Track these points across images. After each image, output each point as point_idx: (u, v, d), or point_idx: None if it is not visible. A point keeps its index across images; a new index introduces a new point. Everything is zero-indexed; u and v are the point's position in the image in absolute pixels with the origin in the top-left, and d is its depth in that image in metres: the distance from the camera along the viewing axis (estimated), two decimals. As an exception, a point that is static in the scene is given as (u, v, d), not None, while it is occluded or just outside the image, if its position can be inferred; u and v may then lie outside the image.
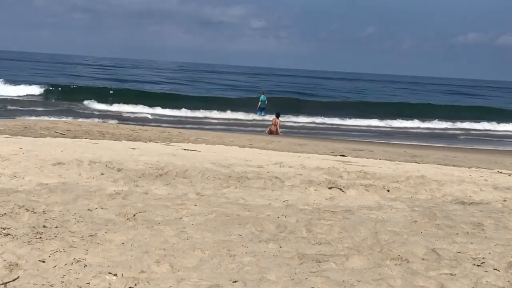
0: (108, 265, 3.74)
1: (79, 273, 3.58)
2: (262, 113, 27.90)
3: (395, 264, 4.09)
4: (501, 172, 10.32)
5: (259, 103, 27.82)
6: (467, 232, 5.10)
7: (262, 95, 28.22)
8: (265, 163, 8.86)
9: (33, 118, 21.28)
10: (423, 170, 9.40)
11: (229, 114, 28.84)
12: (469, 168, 11.24)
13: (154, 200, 5.73)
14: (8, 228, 4.40)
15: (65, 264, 3.72)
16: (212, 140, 14.65)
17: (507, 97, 63.52)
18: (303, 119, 28.73)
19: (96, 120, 22.43)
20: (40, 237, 4.22)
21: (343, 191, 6.88)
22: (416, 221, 5.49)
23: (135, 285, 3.47)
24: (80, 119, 21.39)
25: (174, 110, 28.79)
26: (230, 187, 6.78)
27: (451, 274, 3.90)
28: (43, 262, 3.74)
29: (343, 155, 12.56)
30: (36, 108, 26.36)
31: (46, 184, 6.12)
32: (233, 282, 3.57)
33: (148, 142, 12.41)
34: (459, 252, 4.42)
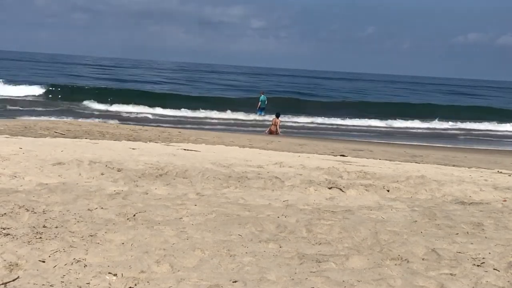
0: (108, 265, 3.74)
1: (79, 273, 3.58)
2: (262, 113, 27.89)
3: (395, 264, 4.09)
4: (501, 172, 10.32)
5: (259, 103, 27.81)
6: (467, 232, 5.10)
7: (262, 95, 28.22)
8: (265, 163, 8.86)
9: (33, 118, 21.28)
10: (423, 170, 9.40)
11: (229, 114, 28.83)
12: (469, 168, 11.24)
13: (154, 200, 5.73)
14: (8, 228, 4.40)
15: (65, 264, 3.72)
16: (212, 140, 14.65)
17: (507, 97, 63.53)
18: (303, 119, 28.72)
19: (96, 120, 22.43)
20: (40, 237, 4.22)
21: (343, 191, 6.88)
22: (416, 221, 5.49)
23: (135, 285, 3.47)
24: (80, 119, 21.38)
25: (174, 110, 28.79)
26: (230, 187, 6.78)
27: (451, 274, 3.90)
28: (43, 262, 3.74)
29: (343, 155, 12.57)
30: (36, 108, 26.37)
31: (46, 184, 6.12)
32: (233, 282, 3.57)
33: (148, 142, 12.41)
34: (459, 252, 4.42)
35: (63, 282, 3.44)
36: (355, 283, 3.64)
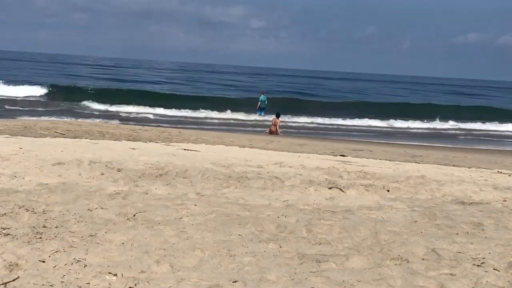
0: (108, 265, 3.74)
1: (79, 273, 3.58)
2: (262, 113, 27.88)
3: (395, 264, 4.09)
4: (501, 172, 10.32)
5: (259, 103, 27.81)
6: (467, 232, 5.10)
7: (262, 95, 28.21)
8: (265, 163, 8.86)
9: (33, 118, 21.28)
10: (423, 170, 9.40)
11: (229, 114, 28.83)
12: (469, 168, 11.24)
13: (154, 200, 5.73)
14: (8, 228, 4.40)
15: (65, 264, 3.72)
16: (212, 140, 14.65)
17: (507, 97, 63.52)
18: (303, 119, 28.71)
19: (96, 120, 22.44)
20: (40, 237, 4.22)
21: (343, 191, 6.88)
22: (416, 221, 5.49)
23: (135, 285, 3.47)
24: (80, 119, 21.38)
25: (174, 110, 28.79)
26: (230, 187, 6.78)
27: (451, 274, 3.90)
28: (43, 262, 3.74)
29: (343, 155, 12.57)
30: (36, 108, 26.38)
31: (46, 184, 6.12)
32: (233, 282, 3.57)
33: (148, 142, 12.41)
34: (459, 252, 4.42)
35: (63, 282, 3.44)
36: (355, 283, 3.64)
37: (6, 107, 25.98)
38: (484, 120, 32.49)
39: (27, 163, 7.20)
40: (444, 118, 31.95)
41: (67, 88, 34.27)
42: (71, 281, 3.46)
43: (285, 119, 26.43)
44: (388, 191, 7.07)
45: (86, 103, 29.14)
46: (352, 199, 6.49)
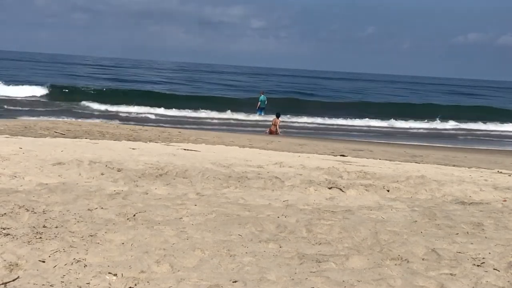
0: (108, 265, 3.74)
1: (79, 273, 3.58)
2: (262, 113, 27.87)
3: (395, 264, 4.09)
4: (501, 172, 10.32)
5: (259, 103, 27.80)
6: (467, 232, 5.10)
7: (262, 95, 28.21)
8: (265, 163, 8.86)
9: (33, 118, 21.28)
10: (423, 170, 9.40)
11: (229, 114, 28.83)
12: (469, 168, 11.24)
13: (154, 200, 5.73)
14: (8, 228, 4.40)
15: (65, 264, 3.72)
16: (212, 140, 14.65)
17: (507, 97, 63.53)
18: (303, 119, 28.71)
19: (96, 120, 22.43)
20: (40, 237, 4.22)
21: (343, 191, 6.88)
22: (416, 221, 5.49)
23: (135, 285, 3.47)
24: (80, 119, 21.38)
25: (174, 110, 28.79)
26: (230, 187, 6.78)
27: (451, 274, 3.90)
28: (43, 262, 3.74)
29: (343, 155, 12.57)
30: (36, 108, 26.37)
31: (46, 184, 6.12)
32: (233, 282, 3.57)
33: (148, 142, 12.41)
34: (459, 252, 4.42)
35: (63, 282, 3.44)
36: (355, 283, 3.64)
37: (6, 107, 25.97)
38: (484, 120, 32.49)
39: (27, 163, 7.20)
40: (444, 118, 31.96)
41: (67, 88, 34.29)
42: (71, 281, 3.46)
43: (285, 119, 26.43)
44: (388, 191, 7.07)
45: (86, 103, 29.14)
46: (352, 199, 6.49)
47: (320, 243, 4.54)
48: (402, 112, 33.59)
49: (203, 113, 28.46)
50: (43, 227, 4.51)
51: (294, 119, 28.54)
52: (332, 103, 38.49)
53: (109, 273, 3.60)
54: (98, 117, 24.57)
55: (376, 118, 30.81)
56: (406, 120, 30.96)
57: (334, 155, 12.40)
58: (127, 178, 6.81)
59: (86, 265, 3.72)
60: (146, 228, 4.65)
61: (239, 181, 7.04)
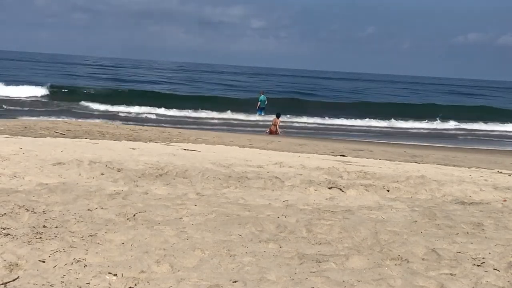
0: (108, 265, 3.74)
1: (79, 273, 3.58)
2: (262, 113, 27.86)
3: (395, 264, 4.09)
4: (501, 172, 10.32)
5: (259, 103, 27.80)
6: (467, 232, 5.10)
7: (262, 95, 28.20)
8: (265, 163, 8.86)
9: (33, 118, 21.28)
10: (423, 170, 9.40)
11: (229, 114, 28.82)
12: (469, 168, 11.24)
13: (154, 200, 5.73)
14: (8, 228, 4.40)
15: (65, 264, 3.72)
16: (212, 140, 14.65)
17: (507, 97, 63.52)
18: (303, 119, 28.70)
19: (96, 120, 22.43)
20: (40, 237, 4.22)
21: (343, 191, 6.88)
22: (416, 221, 5.49)
23: (135, 285, 3.47)
24: (80, 119, 21.38)
25: (174, 110, 28.78)
26: (230, 187, 6.78)
27: (451, 274, 3.90)
28: (43, 262, 3.74)
29: (343, 155, 12.57)
30: (36, 108, 26.37)
31: (46, 184, 6.12)
32: (233, 282, 3.57)
33: (148, 142, 12.41)
34: (459, 252, 4.42)
35: (63, 282, 3.44)
36: (355, 283, 3.64)
37: (6, 107, 25.97)
38: (484, 120, 32.49)
39: (27, 163, 7.20)
40: (444, 118, 31.95)
41: (67, 88, 34.29)
42: (71, 281, 3.46)
43: (285, 119, 26.42)
44: (388, 191, 7.07)
45: (86, 103, 29.13)
46: (352, 199, 6.49)
47: (320, 243, 4.54)
48: (402, 112, 33.58)
49: (203, 113, 28.45)
50: (43, 227, 4.51)
51: (294, 119, 28.54)
52: (332, 103, 38.48)
53: (109, 273, 3.60)
54: (98, 117, 24.57)
55: (376, 118, 30.80)
56: (406, 120, 30.96)
57: (334, 155, 12.40)
58: (127, 178, 6.81)
59: (86, 265, 3.72)
60: (146, 228, 4.65)
61: (239, 181, 7.04)
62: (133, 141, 12.28)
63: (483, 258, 4.28)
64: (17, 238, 4.16)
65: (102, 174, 6.94)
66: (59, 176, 6.66)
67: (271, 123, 22.52)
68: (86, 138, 12.07)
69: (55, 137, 12.22)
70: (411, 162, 12.11)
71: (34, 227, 4.49)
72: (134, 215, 5.05)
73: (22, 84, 32.99)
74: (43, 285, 3.38)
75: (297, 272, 3.80)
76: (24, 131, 13.04)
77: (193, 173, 7.32)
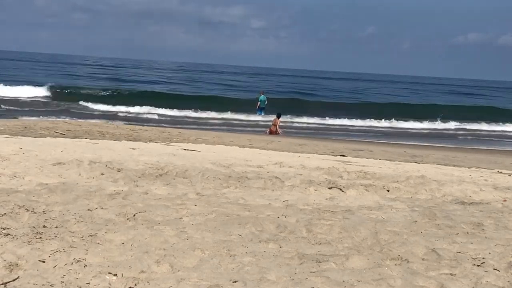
0: (108, 265, 3.74)
1: (79, 273, 3.58)
2: (262, 113, 27.86)
3: (395, 264, 4.09)
4: (501, 172, 10.32)
5: (259, 103, 27.80)
6: (467, 232, 5.10)
7: (262, 95, 28.20)
8: (265, 163, 8.86)
9: (33, 118, 21.27)
10: (423, 170, 9.40)
11: (229, 114, 28.82)
12: (469, 168, 11.24)
13: (154, 200, 5.73)
14: (8, 228, 4.40)
15: (65, 264, 3.72)
16: (212, 140, 14.65)
17: (507, 97, 63.54)
18: (303, 119, 28.70)
19: (96, 120, 22.43)
20: (40, 237, 4.22)
21: (343, 191, 6.88)
22: (416, 221, 5.48)
23: (135, 285, 3.47)
24: (80, 119, 21.38)
25: (174, 110, 28.77)
26: (230, 187, 6.78)
27: (451, 274, 3.90)
28: (43, 262, 3.74)
29: (343, 155, 12.57)
30: (36, 108, 26.38)
31: (46, 184, 6.12)
32: (233, 282, 3.57)
33: (148, 142, 12.41)
34: (459, 252, 4.42)
35: (63, 282, 3.44)
36: (355, 283, 3.64)
37: (6, 107, 25.97)
38: (484, 120, 32.50)
39: (27, 163, 7.20)
40: (444, 118, 31.95)
41: (67, 88, 34.32)
42: (71, 281, 3.46)
43: (286, 119, 26.42)
44: (388, 191, 7.07)
45: (86, 103, 29.15)
46: (352, 199, 6.49)
47: (320, 243, 4.54)
48: (402, 112, 33.57)
49: (203, 113, 28.45)
50: (43, 227, 4.51)
51: (294, 119, 28.54)
52: (332, 103, 38.48)
53: (109, 273, 3.60)
54: (98, 117, 24.57)
55: (376, 118, 30.80)
56: (406, 120, 30.95)
57: (334, 155, 12.40)
58: (127, 178, 6.81)
59: (86, 265, 3.72)
60: (146, 228, 4.65)
61: (239, 181, 7.04)
62: (133, 141, 12.28)
63: (483, 258, 4.28)
64: (17, 238, 4.16)
65: (102, 174, 6.94)
66: (59, 176, 6.66)
67: (271, 123, 22.52)
68: (86, 138, 12.07)
69: (55, 137, 12.23)
70: (411, 162, 12.11)
71: (34, 227, 4.49)
72: (134, 215, 5.05)
73: (22, 84, 33.03)
74: (43, 285, 3.38)
75: (297, 272, 3.80)
76: (24, 131, 13.04)
77: (193, 173, 7.32)
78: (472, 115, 34.47)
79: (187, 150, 10.55)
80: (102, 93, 33.54)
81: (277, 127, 21.79)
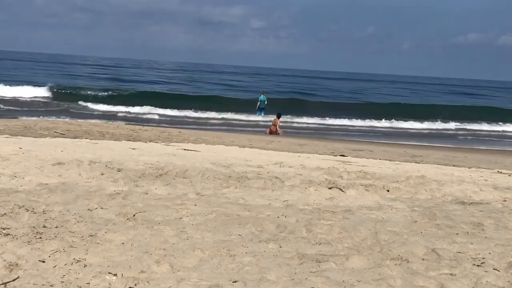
0: (108, 265, 3.75)
1: (79, 273, 3.58)
2: (262, 113, 27.86)
3: (395, 264, 4.09)
4: (501, 172, 10.32)
5: (259, 103, 27.80)
6: (467, 232, 5.10)
7: (262, 95, 28.20)
8: (265, 163, 8.86)
9: (33, 118, 21.27)
10: (423, 170, 9.40)
11: (229, 114, 28.81)
12: (469, 168, 11.24)
13: (154, 200, 5.73)
14: (8, 228, 4.40)
15: (65, 264, 3.72)
16: (212, 140, 14.65)
17: (507, 97, 63.54)
18: (303, 119, 28.70)
19: (96, 120, 22.43)
20: (40, 237, 4.22)
21: (343, 191, 6.88)
22: (416, 221, 5.49)
23: (135, 285, 3.47)
24: (80, 119, 21.38)
25: (174, 110, 28.78)
26: (230, 187, 6.78)
27: (451, 274, 3.90)
28: (43, 262, 3.74)
29: (343, 155, 12.57)
30: (36, 108, 26.39)
31: (46, 184, 6.12)
32: (233, 282, 3.57)
33: (148, 142, 12.41)
34: (459, 252, 4.42)
35: (63, 282, 3.44)
36: (355, 283, 3.64)
37: (6, 107, 25.98)
38: (484, 120, 32.52)
39: (27, 163, 7.20)
40: (444, 118, 31.95)
41: (67, 88, 34.32)
42: (71, 281, 3.46)
43: (286, 119, 26.42)
44: (388, 191, 7.07)
45: (86, 103, 29.17)
46: (352, 199, 6.49)
47: (320, 243, 4.54)
48: (402, 112, 33.58)
49: (203, 113, 28.45)
50: (43, 227, 4.51)
51: (294, 119, 28.55)
52: (332, 103, 38.48)
53: (109, 273, 3.60)
54: (98, 117, 24.58)
55: (376, 118, 30.81)
56: (406, 120, 30.95)
57: (334, 155, 12.40)
58: (127, 178, 6.82)
59: (86, 265, 3.72)
60: (146, 228, 4.65)
61: (239, 181, 7.04)
62: (133, 141, 12.28)
63: (483, 258, 4.28)
64: (17, 238, 4.16)
65: (102, 174, 6.94)
66: (59, 176, 6.66)
67: (271, 123, 22.52)
68: (86, 138, 12.07)
69: (55, 137, 12.23)
70: (411, 162, 12.11)
71: (34, 227, 4.49)
72: (134, 215, 5.05)
73: (22, 84, 33.04)
74: (43, 285, 3.39)
75: (297, 272, 3.80)
76: (24, 131, 13.04)
77: (193, 173, 7.32)
78: (472, 115, 34.47)
79: (187, 150, 10.55)
80: (102, 93, 33.54)
81: (277, 127, 21.80)
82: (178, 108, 29.07)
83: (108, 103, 29.07)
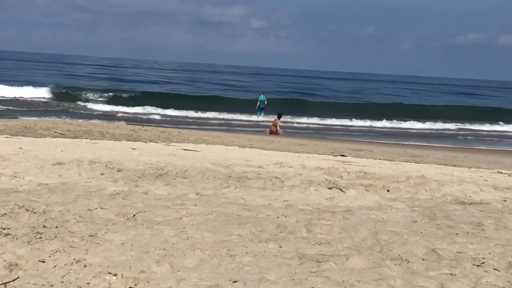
0: (108, 265, 3.75)
1: (79, 273, 3.58)
2: (262, 113, 27.86)
3: (395, 264, 4.09)
4: (501, 172, 10.32)
5: (258, 103, 27.80)
6: (467, 232, 5.10)
7: (262, 95, 28.20)
8: (265, 163, 8.86)
9: (33, 118, 21.27)
10: (423, 170, 9.40)
11: (229, 114, 28.83)
12: (469, 168, 11.24)
13: (154, 200, 5.73)
14: (8, 228, 4.40)
15: (65, 264, 3.72)
16: (212, 140, 14.65)
17: (507, 97, 63.53)
18: (303, 119, 28.72)
19: (96, 120, 22.43)
20: (40, 237, 4.22)
21: (343, 191, 6.88)
22: (416, 221, 5.49)
23: (135, 285, 3.47)
24: (80, 119, 21.38)
25: (174, 110, 28.78)
26: (230, 187, 6.78)
27: (451, 274, 3.90)
28: (43, 262, 3.74)
29: (343, 155, 12.57)
30: (36, 108, 26.40)
31: (46, 184, 6.12)
32: (233, 282, 3.57)
33: (148, 142, 12.41)
34: (459, 252, 4.42)
35: (63, 282, 3.44)
36: (355, 283, 3.64)
37: (6, 107, 25.98)
38: (484, 120, 32.51)
39: (27, 163, 7.20)
40: (444, 118, 31.96)
41: (67, 88, 34.32)
42: (71, 281, 3.46)
43: (286, 119, 26.42)
44: (388, 191, 7.07)
45: (86, 103, 29.20)
46: (352, 199, 6.49)
47: (320, 243, 4.54)
48: (402, 112, 33.58)
49: (203, 113, 28.46)
50: (43, 227, 4.51)
51: (294, 119, 28.55)
52: (332, 103, 38.49)
53: (109, 273, 3.60)
54: (98, 117, 24.58)
55: (376, 118, 30.81)
56: (406, 120, 30.96)
57: (334, 155, 12.40)
58: (127, 178, 6.82)
59: (86, 265, 3.72)
60: (146, 228, 4.65)
61: (239, 181, 7.04)
62: (133, 141, 12.28)
63: (483, 258, 4.28)
64: (17, 238, 4.16)
65: (102, 174, 6.94)
66: (59, 176, 6.66)
67: (271, 123, 22.53)
68: (86, 138, 12.07)
69: (55, 137, 12.23)
70: (411, 162, 12.11)
71: (34, 227, 4.49)
72: (134, 215, 5.05)
73: (22, 84, 33.03)
74: (43, 285, 3.39)
75: (297, 272, 3.80)
76: (24, 131, 13.04)
77: (193, 173, 7.32)
78: (472, 115, 34.47)
79: (187, 150, 10.55)
80: (102, 93, 33.54)
81: (278, 127, 21.80)
82: (178, 108, 29.07)
83: (108, 103, 29.11)
